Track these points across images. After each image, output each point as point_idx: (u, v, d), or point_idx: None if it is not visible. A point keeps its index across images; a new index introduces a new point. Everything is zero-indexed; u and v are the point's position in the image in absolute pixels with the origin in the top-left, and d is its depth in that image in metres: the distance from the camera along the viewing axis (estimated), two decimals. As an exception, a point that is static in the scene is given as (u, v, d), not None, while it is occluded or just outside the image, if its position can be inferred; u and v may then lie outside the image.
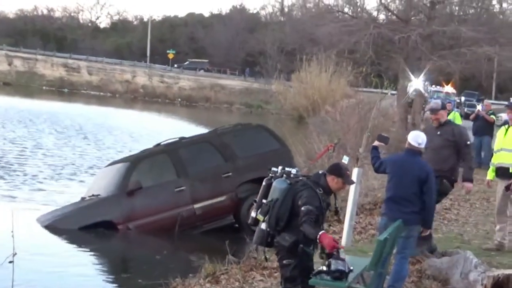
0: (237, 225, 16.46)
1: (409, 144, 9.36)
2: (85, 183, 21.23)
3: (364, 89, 41.25)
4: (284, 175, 8.34)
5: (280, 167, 8.50)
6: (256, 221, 8.30)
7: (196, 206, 16.04)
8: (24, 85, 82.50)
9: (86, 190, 17.45)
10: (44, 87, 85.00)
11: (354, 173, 12.38)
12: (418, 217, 9.26)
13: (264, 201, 8.23)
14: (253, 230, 8.58)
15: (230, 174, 16.25)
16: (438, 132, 11.04)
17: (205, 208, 16.07)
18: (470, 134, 24.95)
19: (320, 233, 7.81)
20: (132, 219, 15.68)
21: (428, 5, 37.73)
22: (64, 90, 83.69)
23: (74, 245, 15.17)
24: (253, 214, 8.35)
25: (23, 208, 17.58)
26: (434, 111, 11.22)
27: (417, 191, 9.16)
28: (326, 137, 24.97)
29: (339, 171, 8.41)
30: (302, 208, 7.93)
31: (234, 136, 17.44)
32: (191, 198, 16.07)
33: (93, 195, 16.31)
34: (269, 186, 8.29)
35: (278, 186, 8.18)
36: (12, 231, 7.52)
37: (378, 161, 9.80)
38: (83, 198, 16.73)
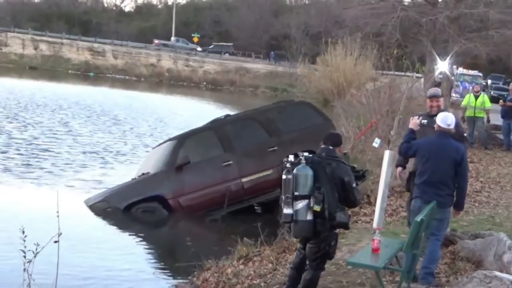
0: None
1: (439, 126, 9.31)
2: (128, 166, 21.57)
3: (389, 72, 41.14)
4: (303, 161, 8.31)
5: (290, 156, 8.50)
6: (291, 217, 8.21)
7: (244, 180, 16.27)
8: (50, 69, 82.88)
9: (135, 172, 17.68)
10: (69, 71, 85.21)
11: (386, 156, 12.38)
12: (452, 199, 9.29)
13: (296, 193, 8.16)
14: None
15: (275, 148, 16.35)
16: (430, 124, 10.37)
17: (252, 181, 16.28)
18: (499, 117, 24.98)
19: None
20: (181, 193, 15.90)
21: (456, -14, 37.56)
22: (90, 74, 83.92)
23: (116, 227, 15.37)
24: (288, 210, 8.21)
25: (70, 188, 17.97)
26: (436, 96, 10.77)
27: (452, 173, 9.15)
28: (354, 120, 24.99)
29: (341, 140, 8.93)
30: (350, 182, 8.33)
31: (278, 112, 17.71)
32: (239, 172, 16.30)
33: (142, 174, 16.52)
34: (293, 177, 8.19)
35: (307, 173, 8.17)
36: (57, 211, 7.64)
37: (407, 144, 9.72)
38: (133, 179, 16.93)
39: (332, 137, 8.87)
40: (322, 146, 8.67)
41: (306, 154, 8.45)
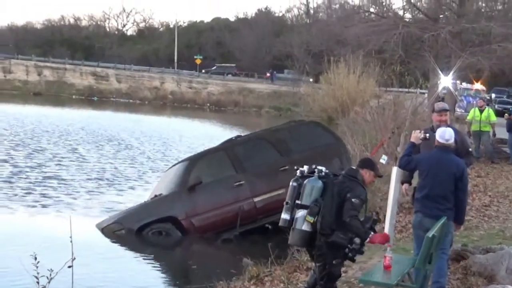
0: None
1: (438, 141, 9.34)
2: (137, 190, 21.69)
3: (393, 89, 41.24)
4: (316, 174, 8.38)
5: (306, 166, 8.57)
6: (289, 223, 8.31)
7: (256, 199, 16.31)
8: (54, 95, 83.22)
9: (148, 194, 17.80)
10: (73, 96, 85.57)
11: (394, 172, 12.41)
12: (453, 214, 9.28)
13: (298, 202, 8.25)
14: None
15: (287, 167, 16.30)
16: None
17: (265, 201, 16.29)
18: (504, 130, 24.97)
19: (370, 235, 8.18)
20: (194, 214, 15.94)
21: (457, 2, 37.59)
22: (94, 99, 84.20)
23: (128, 250, 15.42)
24: (285, 216, 8.34)
25: (81, 214, 17.96)
26: (443, 111, 10.64)
27: (452, 188, 9.16)
28: (359, 138, 24.99)
29: (373, 164, 8.77)
30: (352, 200, 8.10)
31: (288, 132, 17.85)
32: (251, 192, 16.33)
33: (155, 196, 16.61)
34: (299, 186, 8.32)
35: (315, 185, 8.24)
36: (70, 236, 7.68)
37: (407, 158, 9.70)
38: (145, 201, 17.04)
39: (362, 160, 9.06)
40: (350, 167, 8.82)
41: (323, 168, 8.49)
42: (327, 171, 8.52)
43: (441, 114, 10.55)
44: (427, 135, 9.93)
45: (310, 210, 8.14)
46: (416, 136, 9.92)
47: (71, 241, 7.66)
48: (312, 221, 8.14)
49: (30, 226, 16.61)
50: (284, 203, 8.39)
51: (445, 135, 9.32)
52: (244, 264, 12.48)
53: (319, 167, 8.48)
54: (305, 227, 8.19)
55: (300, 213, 8.22)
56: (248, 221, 16.24)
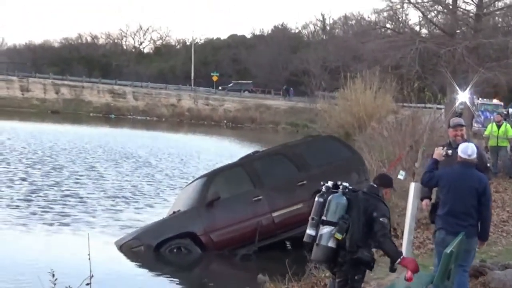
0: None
1: (460, 157, 9.29)
2: (156, 208, 21.72)
3: (411, 105, 41.18)
4: (341, 190, 8.31)
5: (330, 182, 8.49)
6: (313, 239, 8.22)
7: (275, 214, 16.31)
8: (72, 113, 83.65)
9: (167, 212, 17.83)
10: (91, 114, 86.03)
11: (412, 188, 12.39)
12: (476, 230, 9.21)
13: (323, 218, 8.17)
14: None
15: (304, 182, 16.40)
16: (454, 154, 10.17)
17: (283, 216, 16.33)
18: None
19: (402, 256, 8.12)
20: (213, 229, 15.95)
21: (474, 17, 37.58)
22: (111, 116, 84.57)
23: (146, 268, 15.40)
24: (311, 231, 8.22)
25: (99, 232, 17.97)
26: (460, 126, 10.61)
27: (475, 203, 9.10)
28: (376, 154, 24.94)
29: (391, 181, 8.77)
30: (381, 219, 8.06)
31: (306, 147, 17.89)
32: (269, 207, 16.35)
33: (173, 212, 16.66)
34: (325, 202, 8.23)
35: (340, 201, 8.15)
36: (88, 254, 7.70)
37: (430, 174, 9.67)
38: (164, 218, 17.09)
39: (381, 177, 8.92)
40: (370, 184, 8.72)
41: (347, 184, 8.44)
42: (351, 187, 8.46)
43: (456, 129, 10.53)
44: (450, 151, 9.91)
45: (339, 227, 8.05)
46: (439, 153, 9.90)
47: (89, 259, 7.68)
48: (340, 238, 8.06)
49: (48, 243, 16.69)
50: (310, 218, 8.28)
51: (468, 150, 9.28)
52: (259, 280, 12.48)
53: (344, 183, 8.42)
54: (331, 243, 8.10)
55: (326, 229, 8.12)
56: (266, 236, 16.24)
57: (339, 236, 8.04)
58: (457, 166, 9.34)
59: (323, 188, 8.41)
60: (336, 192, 8.28)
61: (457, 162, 9.37)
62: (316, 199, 8.31)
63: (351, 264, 8.21)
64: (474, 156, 9.32)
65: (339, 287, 8.41)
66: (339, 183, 8.43)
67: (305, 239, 8.34)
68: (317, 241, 8.19)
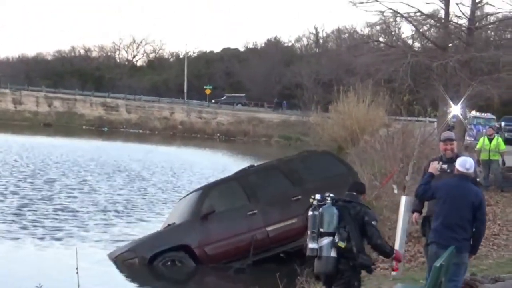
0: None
1: (458, 170, 9.29)
2: (149, 222, 21.66)
3: (402, 118, 41.26)
4: (330, 201, 8.51)
5: (318, 195, 8.65)
6: (316, 252, 8.35)
7: (269, 228, 16.33)
8: (65, 125, 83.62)
9: (160, 225, 17.82)
10: (84, 127, 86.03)
11: (402, 202, 12.42)
12: (469, 244, 9.19)
13: (321, 230, 8.33)
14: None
15: (299, 197, 16.43)
16: (448, 169, 10.34)
17: (277, 230, 16.37)
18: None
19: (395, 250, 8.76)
20: (207, 243, 15.96)
21: (466, 31, 37.68)
22: (104, 129, 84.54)
23: (138, 282, 15.30)
24: (313, 245, 8.36)
25: (91, 246, 17.94)
26: (450, 140, 10.74)
27: (470, 217, 9.08)
28: (368, 167, 24.97)
29: (365, 189, 9.34)
30: (373, 223, 8.43)
31: (301, 162, 18.02)
32: (264, 221, 16.37)
33: (168, 225, 16.65)
34: (318, 215, 8.38)
35: (333, 212, 8.39)
36: (76, 268, 7.69)
37: (425, 186, 9.63)
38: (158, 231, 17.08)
39: (357, 186, 9.21)
40: (347, 193, 8.87)
41: (331, 195, 8.62)
42: (337, 197, 8.66)
43: (446, 143, 10.59)
44: (445, 166, 9.93)
45: (341, 236, 8.28)
46: (435, 167, 9.91)
47: (77, 272, 7.68)
48: (343, 246, 8.26)
49: (39, 257, 16.61)
50: (310, 232, 8.42)
51: (466, 164, 9.29)
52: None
53: (331, 195, 8.60)
54: (332, 253, 8.30)
55: (325, 240, 8.32)
56: (261, 250, 16.26)
57: (342, 244, 8.27)
58: (455, 179, 9.34)
59: (314, 202, 8.56)
60: (325, 204, 8.47)
61: (454, 175, 9.38)
62: (311, 212, 8.47)
63: (352, 270, 8.45)
64: (472, 170, 9.34)
65: None
66: (326, 195, 8.61)
67: (308, 253, 8.46)
68: (318, 254, 8.36)
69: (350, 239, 8.30)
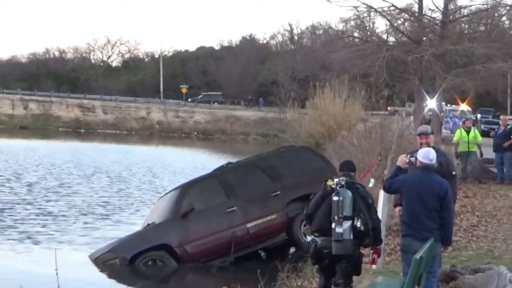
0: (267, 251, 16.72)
1: (421, 162, 9.28)
2: (128, 224, 21.45)
3: (380, 112, 41.35)
4: (343, 184, 8.89)
5: (337, 179, 8.96)
6: (341, 236, 8.70)
7: (249, 225, 16.35)
8: (41, 128, 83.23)
9: (142, 223, 17.76)
10: (60, 129, 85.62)
11: (381, 195, 12.47)
12: (440, 234, 9.20)
13: (345, 214, 8.70)
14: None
15: (278, 192, 16.56)
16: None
17: (257, 226, 16.39)
18: (491, 150, 25.08)
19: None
20: (187, 241, 15.93)
21: (440, 24, 37.76)
22: (81, 131, 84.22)
23: (119, 283, 15.31)
24: (339, 229, 8.72)
25: (70, 248, 17.85)
26: (425, 134, 10.70)
27: (438, 208, 9.10)
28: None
29: (355, 167, 9.67)
30: (374, 205, 9.10)
31: (279, 157, 18.00)
32: (243, 218, 16.39)
33: (148, 225, 16.60)
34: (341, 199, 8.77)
35: (349, 196, 8.81)
36: (56, 269, 7.65)
37: (390, 180, 9.62)
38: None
39: (349, 164, 9.57)
40: (341, 173, 9.16)
41: (343, 178, 8.95)
42: (346, 179, 9.02)
43: (421, 137, 10.60)
44: (413, 159, 9.93)
45: (362, 220, 8.77)
46: (402, 160, 9.89)
47: (56, 274, 7.64)
48: (363, 230, 8.78)
49: (18, 261, 16.48)
50: (336, 217, 8.72)
51: (429, 155, 9.29)
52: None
53: (342, 178, 8.97)
54: (352, 236, 8.76)
55: (346, 224, 8.72)
56: (242, 247, 16.28)
57: (363, 228, 8.79)
58: (418, 171, 9.36)
59: (338, 187, 8.88)
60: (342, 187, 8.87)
61: (417, 167, 9.39)
62: (335, 198, 8.80)
63: (359, 250, 9.09)
64: (435, 161, 9.35)
65: (347, 271, 9.04)
66: (341, 178, 8.96)
67: (335, 237, 8.78)
68: (340, 238, 8.74)
69: (367, 223, 8.77)
